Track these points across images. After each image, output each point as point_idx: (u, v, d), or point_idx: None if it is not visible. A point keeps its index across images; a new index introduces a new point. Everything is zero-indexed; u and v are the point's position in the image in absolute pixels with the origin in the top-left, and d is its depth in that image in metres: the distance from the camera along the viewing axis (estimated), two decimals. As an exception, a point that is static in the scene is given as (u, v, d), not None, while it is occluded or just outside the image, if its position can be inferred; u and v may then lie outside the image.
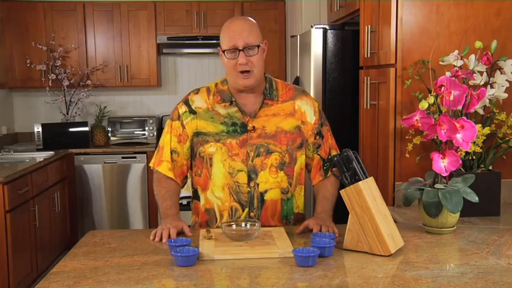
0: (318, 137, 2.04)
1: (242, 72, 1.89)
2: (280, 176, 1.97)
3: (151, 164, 2.07)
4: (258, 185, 1.95)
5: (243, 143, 1.94)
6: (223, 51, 1.92)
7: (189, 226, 2.13)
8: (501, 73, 2.24)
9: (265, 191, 1.96)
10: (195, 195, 2.07)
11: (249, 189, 1.95)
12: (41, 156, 4.38)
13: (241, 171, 1.94)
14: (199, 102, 2.00)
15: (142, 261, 1.62)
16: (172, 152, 2.01)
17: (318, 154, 2.04)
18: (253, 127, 1.95)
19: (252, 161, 1.94)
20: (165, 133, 2.04)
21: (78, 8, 5.15)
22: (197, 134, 1.99)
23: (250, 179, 1.94)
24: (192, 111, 1.99)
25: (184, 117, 2.00)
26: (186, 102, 2.02)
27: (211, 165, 1.97)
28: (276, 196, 1.98)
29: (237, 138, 1.94)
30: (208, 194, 2.01)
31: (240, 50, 1.87)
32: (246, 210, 1.96)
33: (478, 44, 2.20)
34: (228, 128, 1.95)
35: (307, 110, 2.02)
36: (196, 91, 2.04)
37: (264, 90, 1.98)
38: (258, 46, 1.90)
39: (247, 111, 1.97)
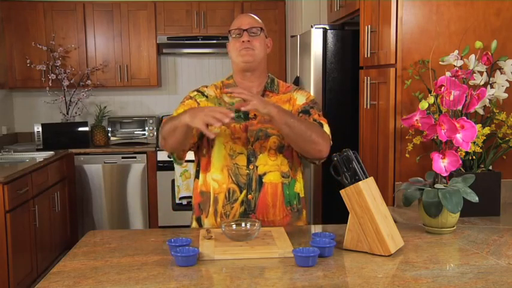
0: (302, 114, 2.01)
1: (244, 49, 2.01)
2: (280, 159, 2.01)
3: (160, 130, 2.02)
4: (257, 167, 1.99)
5: (245, 128, 2.02)
6: (229, 32, 2.05)
7: (188, 226, 2.14)
8: (501, 73, 2.24)
9: (264, 174, 2.00)
10: (197, 174, 2.11)
11: (248, 171, 1.99)
12: (41, 156, 4.38)
13: (241, 153, 2.00)
14: (208, 91, 2.12)
15: (142, 261, 1.62)
16: None
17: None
18: (255, 115, 2.02)
19: (252, 145, 2.00)
20: (176, 109, 2.06)
21: (78, 8, 5.15)
22: None
23: (249, 161, 1.99)
24: (204, 95, 2.09)
25: (197, 97, 2.09)
26: (198, 90, 2.13)
27: (212, 147, 2.02)
28: (275, 179, 2.00)
29: (240, 124, 2.02)
30: (207, 176, 2.04)
31: (244, 30, 2.01)
32: (244, 192, 1.99)
33: (478, 44, 2.20)
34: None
35: (299, 97, 2.09)
36: (205, 86, 2.16)
37: (265, 84, 2.09)
38: (261, 29, 2.04)
39: None
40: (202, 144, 2.07)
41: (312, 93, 3.32)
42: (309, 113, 2.04)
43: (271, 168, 2.00)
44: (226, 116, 1.72)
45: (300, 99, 2.08)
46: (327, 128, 2.00)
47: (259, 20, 2.08)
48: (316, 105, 2.09)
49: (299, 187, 2.08)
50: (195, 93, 2.11)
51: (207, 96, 2.09)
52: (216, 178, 2.01)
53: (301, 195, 2.09)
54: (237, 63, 2.05)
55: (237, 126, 2.01)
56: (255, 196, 1.99)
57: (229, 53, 2.08)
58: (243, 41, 2.00)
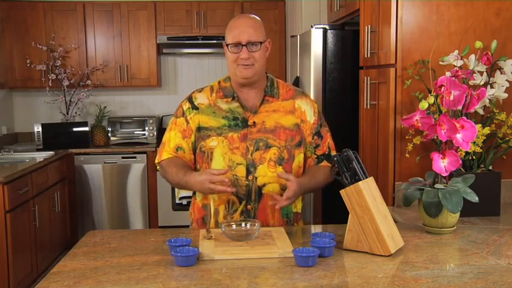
0: (316, 137, 2.05)
1: (243, 64, 1.94)
2: (279, 171, 1.97)
3: (156, 161, 2.09)
4: (256, 178, 1.96)
5: (243, 137, 1.97)
6: (227, 45, 1.97)
7: (187, 226, 2.14)
8: (501, 73, 2.24)
9: (264, 185, 1.97)
10: (194, 191, 2.08)
11: (247, 182, 1.96)
12: (41, 156, 4.38)
13: (241, 164, 1.96)
14: (201, 99, 2.05)
15: (142, 261, 1.62)
16: (177, 148, 2.04)
17: (315, 154, 2.06)
18: (254, 122, 1.98)
19: (252, 155, 1.96)
20: (168, 130, 2.08)
21: (78, 8, 5.15)
22: (199, 129, 2.01)
23: (248, 172, 1.96)
24: (195, 107, 2.04)
25: (187, 113, 2.04)
26: (190, 99, 2.07)
27: (211, 160, 1.98)
28: (275, 191, 1.97)
29: (238, 132, 1.97)
30: None
31: (243, 45, 1.92)
32: (244, 203, 1.97)
33: (478, 44, 2.20)
34: (229, 122, 1.99)
35: (307, 110, 2.05)
36: (200, 89, 2.10)
37: (265, 88, 2.03)
38: (261, 43, 1.95)
39: (248, 106, 2.00)
40: (196, 161, 2.05)
41: (311, 93, 3.33)
42: (321, 136, 2.06)
43: (270, 179, 1.97)
44: (226, 186, 1.84)
45: (309, 113, 2.04)
46: (333, 145, 2.11)
47: (258, 24, 1.97)
48: (322, 120, 2.10)
49: (295, 203, 2.04)
50: (188, 105, 2.04)
51: (197, 108, 2.02)
52: None
53: (295, 210, 2.06)
54: (234, 76, 2.00)
55: (234, 136, 1.97)
56: (254, 207, 1.97)
57: (227, 60, 2.00)
58: (242, 58, 1.92)
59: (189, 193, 2.13)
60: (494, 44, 2.25)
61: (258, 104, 2.00)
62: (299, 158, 2.03)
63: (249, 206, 1.97)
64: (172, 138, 2.05)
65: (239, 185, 1.96)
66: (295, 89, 2.11)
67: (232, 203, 1.98)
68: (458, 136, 1.85)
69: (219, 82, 2.07)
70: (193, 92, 2.09)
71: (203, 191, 1.90)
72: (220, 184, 1.83)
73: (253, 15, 2.04)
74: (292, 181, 1.86)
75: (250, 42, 1.92)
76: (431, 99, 2.00)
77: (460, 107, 1.96)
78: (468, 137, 1.85)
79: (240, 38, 1.92)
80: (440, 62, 2.26)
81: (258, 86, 2.02)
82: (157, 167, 2.10)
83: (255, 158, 1.96)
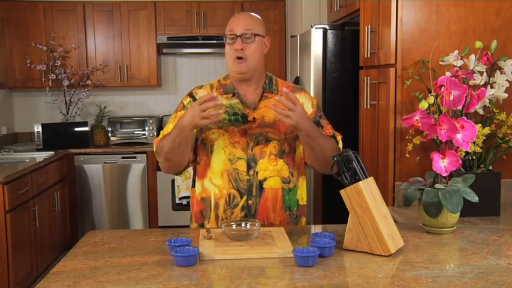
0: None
1: (237, 58, 1.96)
2: (280, 164, 1.98)
3: (154, 149, 2.06)
4: (257, 173, 1.97)
5: (243, 132, 1.98)
6: (225, 35, 1.99)
7: (187, 226, 2.14)
8: (501, 73, 2.24)
9: (265, 179, 1.98)
10: (194, 183, 2.09)
11: (248, 177, 1.97)
12: (41, 156, 4.38)
13: (241, 158, 1.97)
14: (202, 94, 2.06)
15: (142, 261, 1.62)
16: None
17: None
18: (254, 118, 2.00)
19: (252, 150, 1.97)
20: (169, 123, 2.06)
21: (78, 8, 5.15)
22: None
23: (249, 167, 1.97)
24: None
25: (188, 106, 2.03)
26: (191, 94, 2.09)
27: (211, 152, 1.99)
28: (276, 185, 1.99)
29: (238, 127, 1.98)
30: (205, 181, 2.02)
31: (237, 36, 1.95)
32: (245, 197, 1.98)
33: (478, 44, 2.20)
34: (229, 117, 2.00)
35: (305, 103, 2.06)
36: (200, 86, 2.11)
37: (263, 84, 2.05)
38: (255, 35, 1.96)
39: (247, 103, 2.02)
40: (197, 153, 2.05)
41: (312, 93, 3.33)
42: (320, 125, 2.05)
43: (271, 173, 1.98)
44: (217, 114, 1.80)
45: (307, 106, 2.05)
46: (341, 146, 2.05)
47: (256, 20, 2.00)
48: (321, 113, 2.10)
49: (299, 194, 2.06)
50: (188, 99, 2.06)
51: None
52: (217, 183, 1.99)
53: (301, 202, 2.07)
54: (230, 71, 2.02)
55: (235, 130, 1.98)
56: (255, 202, 1.98)
57: (225, 55, 2.02)
58: (236, 49, 1.95)
59: (189, 193, 2.13)
60: (494, 44, 2.25)
61: (257, 100, 2.02)
62: (299, 149, 2.04)
63: (250, 201, 1.98)
64: (169, 126, 2.03)
65: (240, 180, 1.97)
66: (294, 86, 2.13)
67: (233, 198, 1.98)
68: (458, 136, 1.85)
69: (219, 80, 2.09)
70: (194, 88, 2.11)
71: (195, 121, 1.82)
72: (208, 101, 1.78)
73: (254, 13, 2.06)
74: (298, 104, 1.81)
75: (245, 34, 1.95)
76: (431, 99, 2.01)
77: (460, 107, 1.96)
78: (468, 137, 1.85)
79: (235, 29, 1.96)
80: (440, 62, 2.26)
81: (257, 83, 2.04)
82: (158, 159, 2.05)
83: (255, 152, 1.97)
